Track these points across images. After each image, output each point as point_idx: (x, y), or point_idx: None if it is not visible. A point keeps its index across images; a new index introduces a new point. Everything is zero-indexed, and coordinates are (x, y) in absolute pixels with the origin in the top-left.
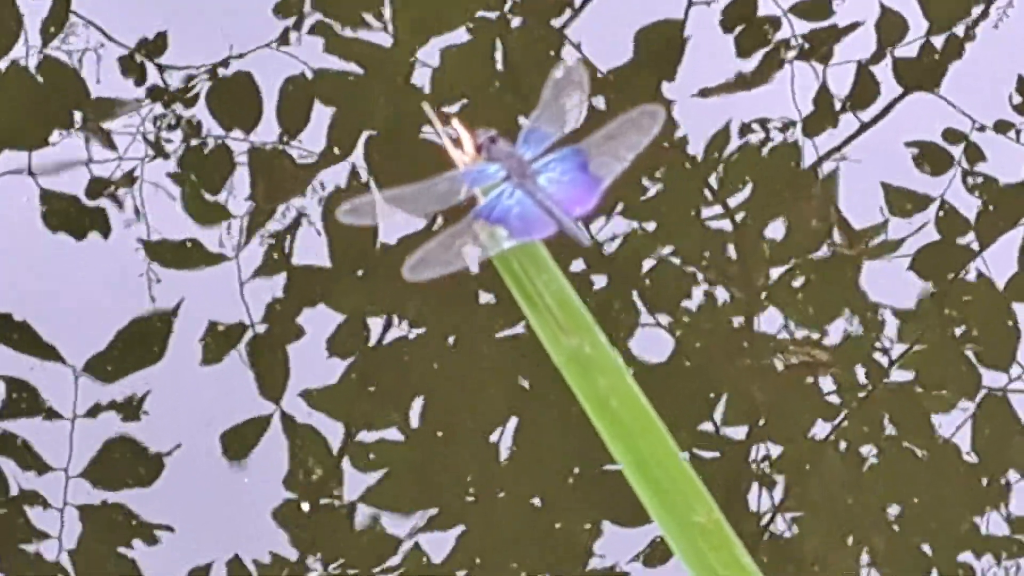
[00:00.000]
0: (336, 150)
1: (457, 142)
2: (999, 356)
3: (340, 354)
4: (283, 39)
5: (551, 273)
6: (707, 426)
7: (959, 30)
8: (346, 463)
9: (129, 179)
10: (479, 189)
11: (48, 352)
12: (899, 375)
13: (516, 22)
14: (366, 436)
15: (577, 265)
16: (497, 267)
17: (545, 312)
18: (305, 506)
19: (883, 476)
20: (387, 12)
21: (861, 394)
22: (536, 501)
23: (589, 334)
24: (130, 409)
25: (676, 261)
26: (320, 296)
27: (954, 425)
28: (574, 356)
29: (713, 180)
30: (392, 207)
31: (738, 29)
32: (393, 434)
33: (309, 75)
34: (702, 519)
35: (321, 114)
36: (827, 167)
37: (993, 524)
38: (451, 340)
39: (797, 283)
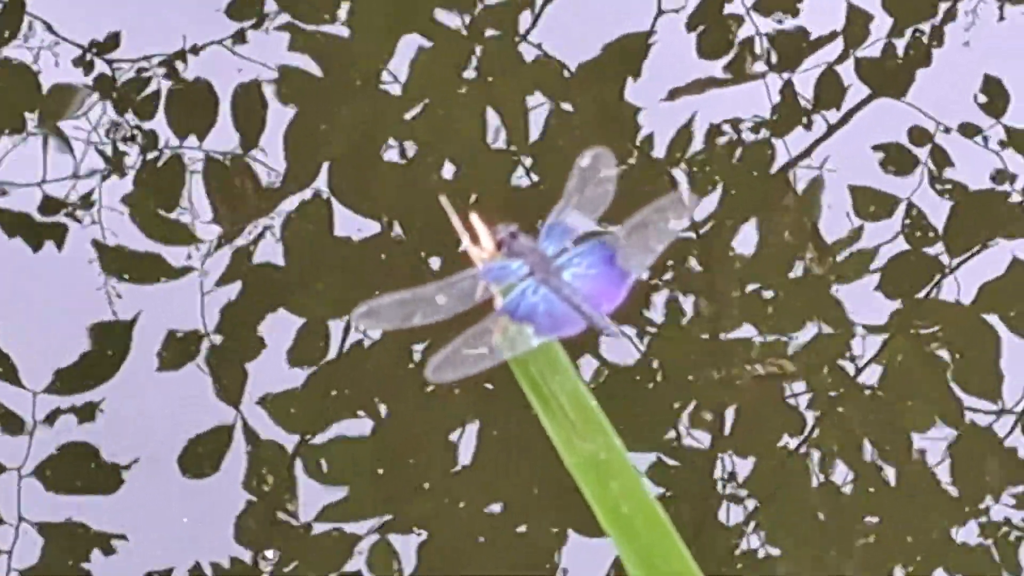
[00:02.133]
0: (297, 166)
1: (476, 238)
2: (982, 382)
3: (301, 363)
4: (239, 38)
5: (567, 375)
6: (674, 435)
7: (925, 30)
8: (303, 474)
9: (87, 201)
10: (500, 287)
11: (7, 374)
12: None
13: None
14: (325, 442)
15: None
16: (512, 368)
17: (560, 414)
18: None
19: (856, 492)
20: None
21: (833, 403)
22: (498, 508)
23: (604, 438)
24: (87, 413)
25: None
26: (280, 303)
27: (929, 442)
28: (588, 460)
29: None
30: (410, 309)
31: (701, 28)
32: (356, 432)
33: (268, 77)
34: None
35: (280, 121)
36: (798, 173)
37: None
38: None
39: (768, 295)
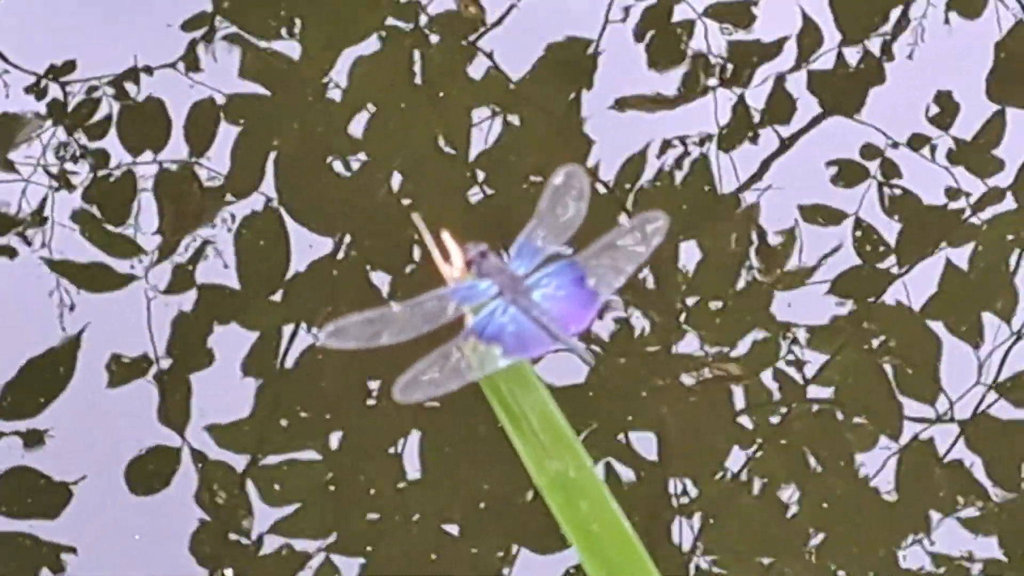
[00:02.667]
0: (244, 174)
1: (446, 257)
2: (921, 384)
3: (253, 374)
4: (191, 57)
5: (538, 394)
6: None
7: (874, 46)
8: (253, 492)
9: (39, 219)
10: (468, 307)
11: None
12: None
13: (431, 37)
14: (275, 461)
15: None
16: (482, 387)
17: (530, 434)
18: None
19: (802, 506)
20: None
21: (777, 418)
22: (447, 525)
23: (574, 457)
24: (34, 437)
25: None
26: (231, 317)
27: (874, 454)
28: (557, 479)
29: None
30: (377, 329)
31: (649, 37)
32: (305, 450)
33: (218, 99)
34: None
35: (230, 134)
36: (746, 189)
37: (913, 556)
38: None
39: (715, 305)
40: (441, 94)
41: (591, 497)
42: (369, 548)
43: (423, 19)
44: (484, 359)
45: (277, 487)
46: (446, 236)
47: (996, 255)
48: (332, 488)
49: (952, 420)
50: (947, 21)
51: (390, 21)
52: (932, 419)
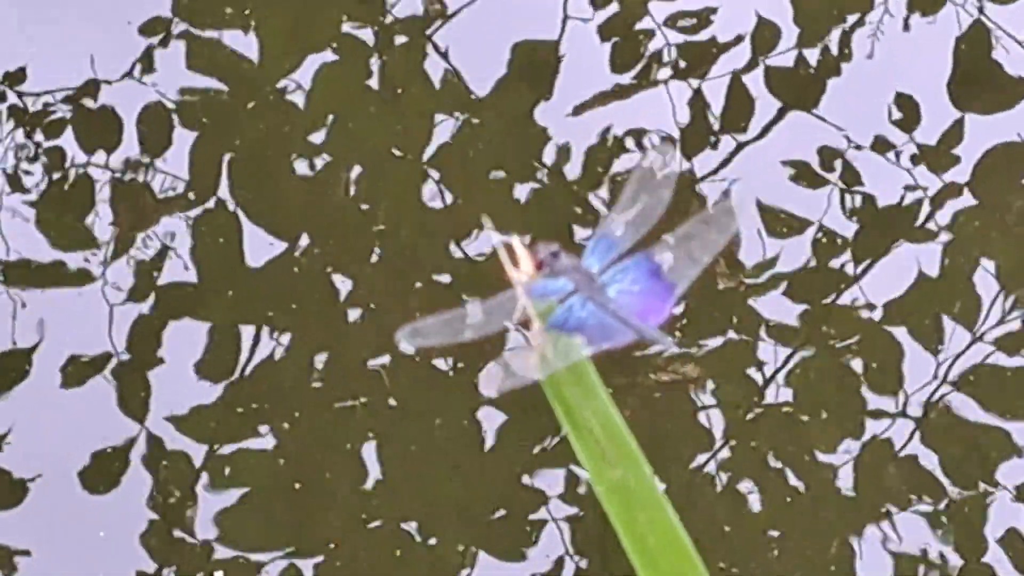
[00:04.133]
0: (202, 180)
1: (515, 259)
2: (885, 381)
3: (210, 377)
4: (147, 60)
5: (600, 401)
6: None
7: (833, 44)
8: (208, 491)
9: None
10: (537, 307)
11: None
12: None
13: (389, 39)
14: (230, 455)
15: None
16: (546, 391)
17: (591, 440)
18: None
19: (761, 504)
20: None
21: (740, 418)
22: (407, 526)
23: (634, 466)
24: None
25: None
26: (189, 313)
27: (836, 450)
28: (616, 488)
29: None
30: (457, 328)
31: (614, 40)
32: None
33: (170, 104)
34: None
35: (185, 135)
36: (707, 187)
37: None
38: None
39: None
40: (399, 91)
41: (649, 507)
42: (331, 546)
43: (383, 19)
44: (568, 350)
45: (229, 474)
46: (516, 240)
47: (956, 255)
48: (297, 486)
49: (906, 415)
50: (907, 28)
51: (349, 25)
52: (892, 413)
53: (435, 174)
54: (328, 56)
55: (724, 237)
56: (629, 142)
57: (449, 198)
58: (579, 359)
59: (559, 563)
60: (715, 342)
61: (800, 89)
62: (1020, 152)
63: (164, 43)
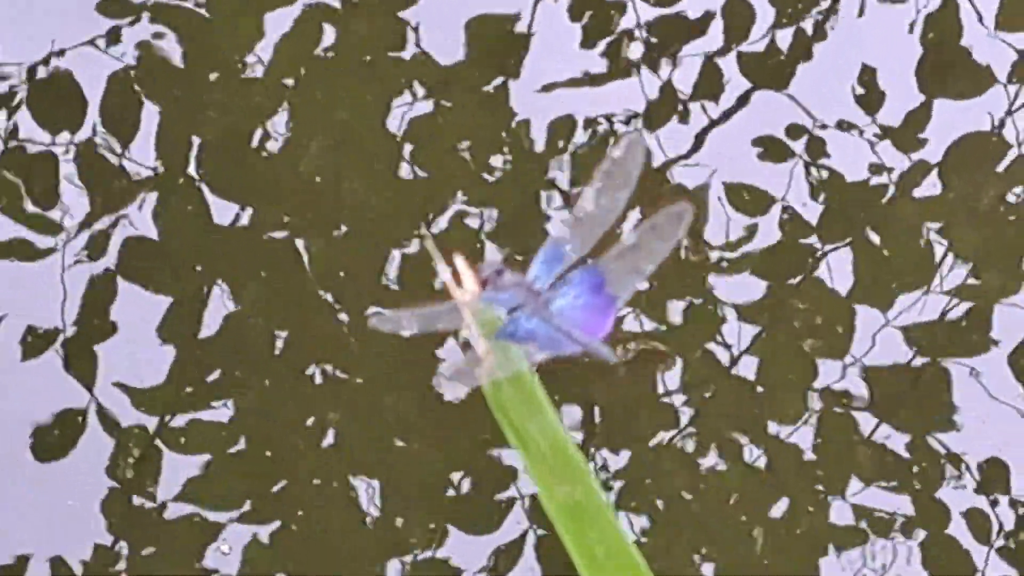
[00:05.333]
0: (167, 152)
1: (457, 278)
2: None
3: (170, 340)
4: (112, 36)
5: (547, 417)
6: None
7: (807, 25)
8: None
9: None
10: (483, 319)
11: None
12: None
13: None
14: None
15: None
16: (492, 408)
17: (538, 456)
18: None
19: (726, 480)
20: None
21: (707, 393)
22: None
23: (582, 482)
24: None
25: (519, 258)
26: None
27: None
28: (565, 504)
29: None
30: (421, 322)
31: (586, 16)
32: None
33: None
34: None
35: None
36: (676, 170)
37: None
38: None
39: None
40: (367, 58)
41: (598, 522)
42: (299, 513)
43: None
44: (512, 360)
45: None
46: (458, 259)
47: (913, 235)
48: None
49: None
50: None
51: None
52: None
53: (404, 148)
54: (292, 23)
55: (668, 246)
56: (598, 122)
57: (415, 172)
58: (523, 369)
59: (523, 536)
60: (686, 315)
61: (771, 70)
62: (989, 142)
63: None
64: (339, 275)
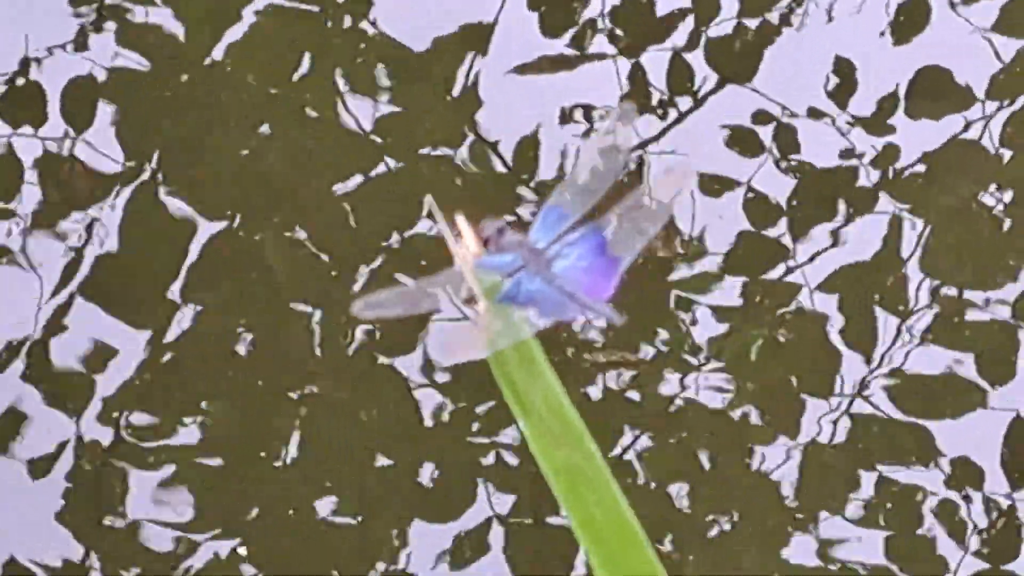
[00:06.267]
0: (130, 155)
1: (460, 236)
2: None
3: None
4: (80, 39)
5: (547, 381)
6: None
7: (773, 17)
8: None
9: None
10: (483, 283)
11: None
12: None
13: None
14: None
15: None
16: (493, 371)
17: (538, 421)
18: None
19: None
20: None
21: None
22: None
23: (581, 446)
24: None
25: None
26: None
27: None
28: (564, 467)
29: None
30: (407, 301)
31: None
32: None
33: (99, 76)
34: None
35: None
36: (648, 159)
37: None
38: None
39: None
40: (338, 39)
41: (597, 487)
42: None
43: None
44: (515, 325)
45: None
46: (460, 218)
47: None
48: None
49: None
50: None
51: None
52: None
53: (375, 142)
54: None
55: (668, 207)
56: (575, 111)
57: (387, 167)
58: (526, 336)
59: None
60: (657, 323)
61: (739, 60)
62: (970, 150)
63: (96, 27)
64: (306, 283)
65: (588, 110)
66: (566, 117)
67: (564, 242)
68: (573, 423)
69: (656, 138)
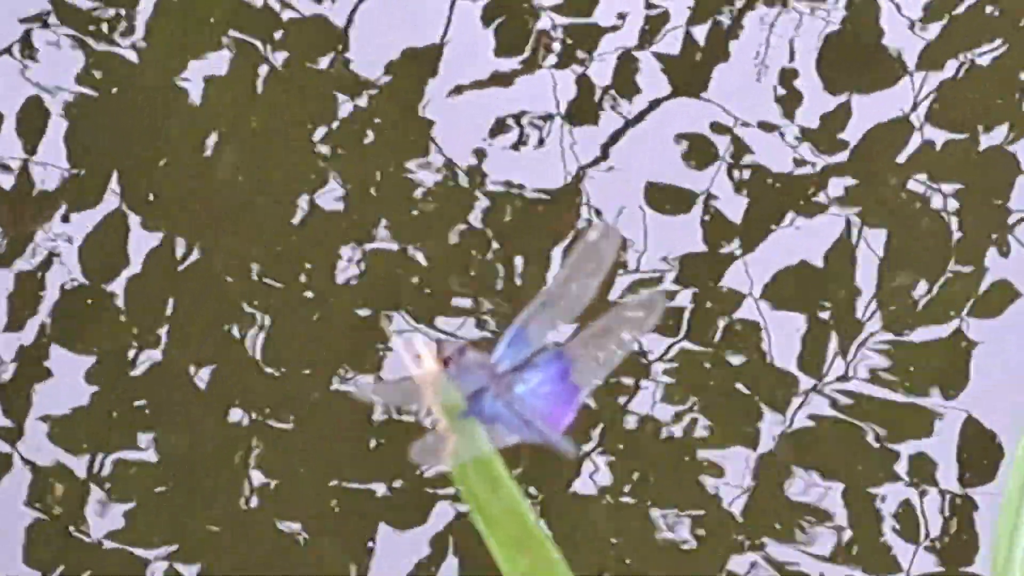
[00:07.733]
0: (87, 180)
1: (418, 357)
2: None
3: (96, 382)
4: (27, 50)
5: (508, 492)
6: None
7: (724, 21)
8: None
9: None
10: (445, 400)
11: None
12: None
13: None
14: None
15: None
16: (454, 481)
17: (500, 531)
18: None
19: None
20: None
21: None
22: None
23: (542, 553)
24: None
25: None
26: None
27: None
28: (527, 574)
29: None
30: (404, 393)
31: (497, 22)
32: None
33: (49, 96)
34: None
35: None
36: (591, 172)
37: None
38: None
39: None
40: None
41: None
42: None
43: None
44: (476, 442)
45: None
46: (418, 339)
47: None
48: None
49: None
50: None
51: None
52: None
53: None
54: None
55: (637, 336)
56: (522, 123)
57: (344, 191)
58: (486, 451)
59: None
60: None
61: (689, 71)
62: (901, 130)
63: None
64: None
65: (519, 119)
66: (500, 128)
67: (528, 365)
68: (535, 532)
69: (605, 149)
